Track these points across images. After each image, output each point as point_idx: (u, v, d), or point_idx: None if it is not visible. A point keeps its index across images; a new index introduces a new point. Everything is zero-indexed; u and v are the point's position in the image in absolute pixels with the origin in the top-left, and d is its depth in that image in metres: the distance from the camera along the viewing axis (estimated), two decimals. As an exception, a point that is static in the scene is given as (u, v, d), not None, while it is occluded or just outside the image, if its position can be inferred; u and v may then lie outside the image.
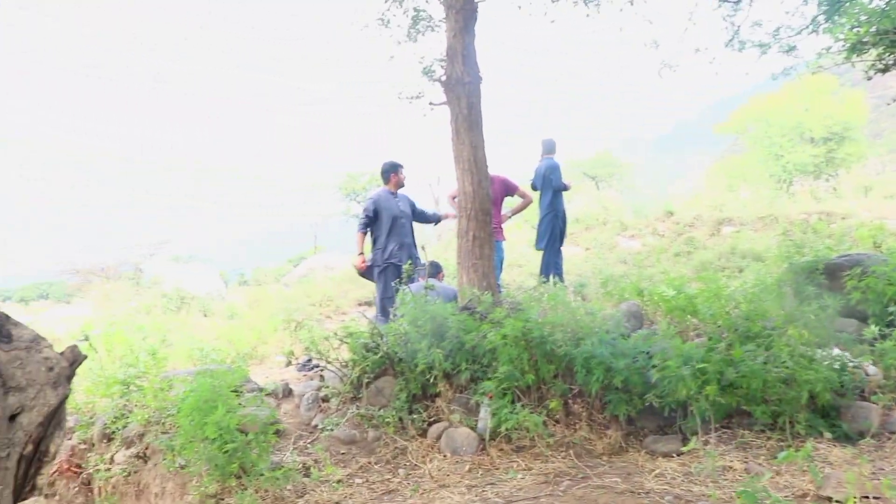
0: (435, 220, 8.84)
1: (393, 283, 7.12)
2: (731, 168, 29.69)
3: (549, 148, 9.89)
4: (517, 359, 4.77)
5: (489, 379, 4.80)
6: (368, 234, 7.96)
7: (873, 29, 8.31)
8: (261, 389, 5.71)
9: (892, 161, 37.03)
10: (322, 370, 6.36)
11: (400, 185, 8.29)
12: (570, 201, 18.04)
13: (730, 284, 9.15)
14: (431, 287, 5.67)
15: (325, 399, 5.58)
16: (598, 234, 16.24)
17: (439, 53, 7.15)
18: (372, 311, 9.68)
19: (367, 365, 5.32)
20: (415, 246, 8.25)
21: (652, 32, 9.43)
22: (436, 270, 7.78)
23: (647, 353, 4.73)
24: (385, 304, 7.39)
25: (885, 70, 9.02)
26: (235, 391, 4.69)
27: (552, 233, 9.79)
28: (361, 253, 7.87)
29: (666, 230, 16.05)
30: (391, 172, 8.23)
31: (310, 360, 7.18)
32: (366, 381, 5.34)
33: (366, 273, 8.03)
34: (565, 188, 9.84)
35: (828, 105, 27.89)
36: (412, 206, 8.28)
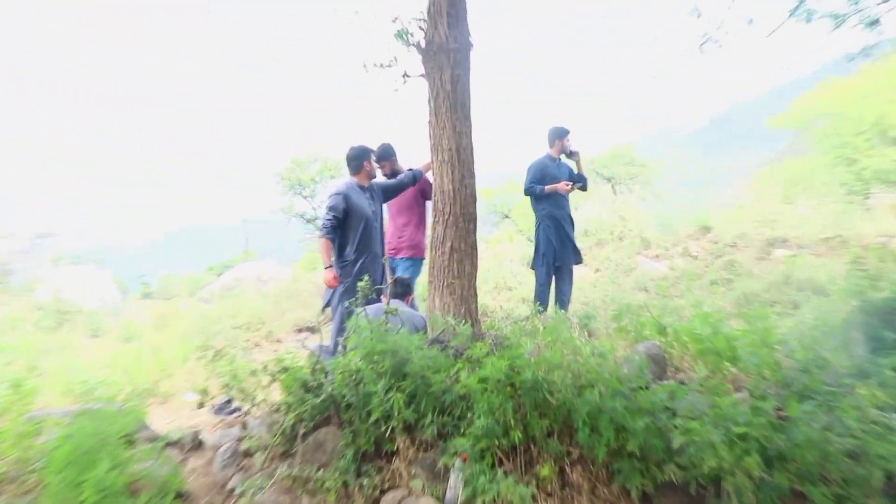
0: (413, 180, 8.80)
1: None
2: (788, 173, 29.95)
3: (549, 138, 10.05)
4: (500, 409, 4.73)
5: (463, 435, 4.75)
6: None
7: None
8: (162, 438, 5.62)
9: None
10: (245, 415, 6.27)
11: (371, 176, 8.26)
12: (576, 209, 18.13)
13: (781, 325, 9.26)
14: (394, 311, 5.62)
15: (248, 453, 5.49)
16: (612, 251, 16.31)
17: (419, 12, 7.11)
18: (314, 340, 9.61)
19: (305, 410, 5.25)
20: (383, 255, 8.24)
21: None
22: (403, 290, 7.75)
23: (671, 409, 4.71)
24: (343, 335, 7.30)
25: None
26: (127, 439, 4.60)
27: (546, 247, 9.91)
28: (331, 265, 7.80)
29: (700, 250, 16.14)
30: (363, 160, 8.19)
31: (230, 402, 7.10)
32: (302, 431, 5.26)
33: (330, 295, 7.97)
34: (535, 192, 9.95)
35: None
36: (384, 191, 8.26)
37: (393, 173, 9.09)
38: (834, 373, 5.23)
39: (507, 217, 28.59)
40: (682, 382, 5.46)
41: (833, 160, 28.50)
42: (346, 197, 7.94)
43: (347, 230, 7.91)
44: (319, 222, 31.93)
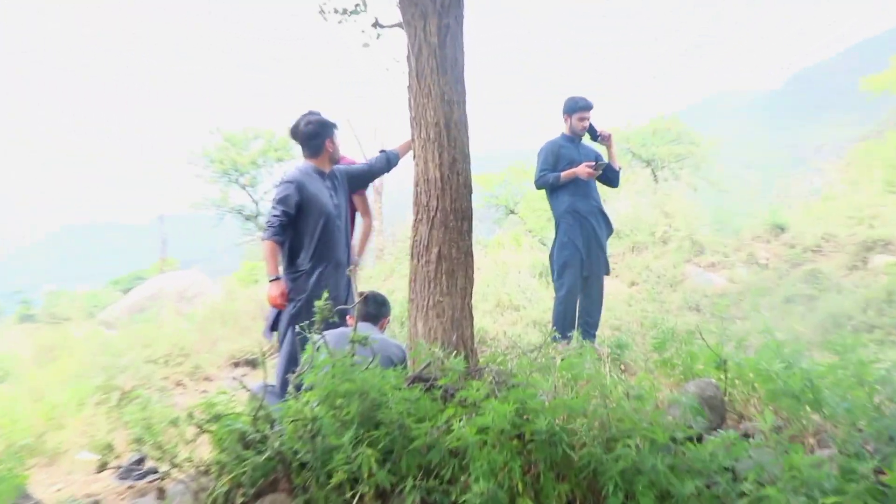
0: (387, 165, 8.69)
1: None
2: (893, 152, 29.99)
3: (563, 111, 10.05)
4: (504, 470, 4.72)
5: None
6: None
7: None
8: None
9: None
10: (163, 480, 6.24)
11: (335, 160, 8.13)
12: (605, 202, 18.15)
13: (883, 357, 9.25)
14: (363, 340, 5.59)
15: (166, 531, 5.49)
16: (652, 259, 16.35)
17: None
18: (256, 377, 9.59)
19: (244, 473, 5.22)
20: (349, 263, 8.16)
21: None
22: (376, 311, 7.52)
23: (731, 470, 4.73)
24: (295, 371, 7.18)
25: None
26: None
27: (571, 253, 9.87)
28: (278, 277, 7.71)
29: (772, 257, 16.19)
30: (324, 138, 8.07)
31: (141, 461, 7.07)
32: (240, 500, 5.25)
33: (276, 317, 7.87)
34: (548, 181, 9.92)
35: None
36: (350, 179, 8.18)
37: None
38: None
39: (512, 213, 28.62)
40: (746, 434, 5.47)
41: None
42: (299, 187, 7.78)
43: (302, 231, 7.79)
44: (263, 220, 31.22)
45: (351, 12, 7.15)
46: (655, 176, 26.41)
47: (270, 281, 7.64)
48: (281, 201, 7.71)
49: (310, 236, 7.76)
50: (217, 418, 5.36)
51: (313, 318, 5.57)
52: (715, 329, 11.86)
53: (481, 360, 6.28)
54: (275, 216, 7.68)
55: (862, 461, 4.70)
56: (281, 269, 7.74)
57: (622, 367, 9.05)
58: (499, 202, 34.59)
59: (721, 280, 15.33)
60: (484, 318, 13.61)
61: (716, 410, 6.03)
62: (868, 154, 31.72)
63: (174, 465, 5.55)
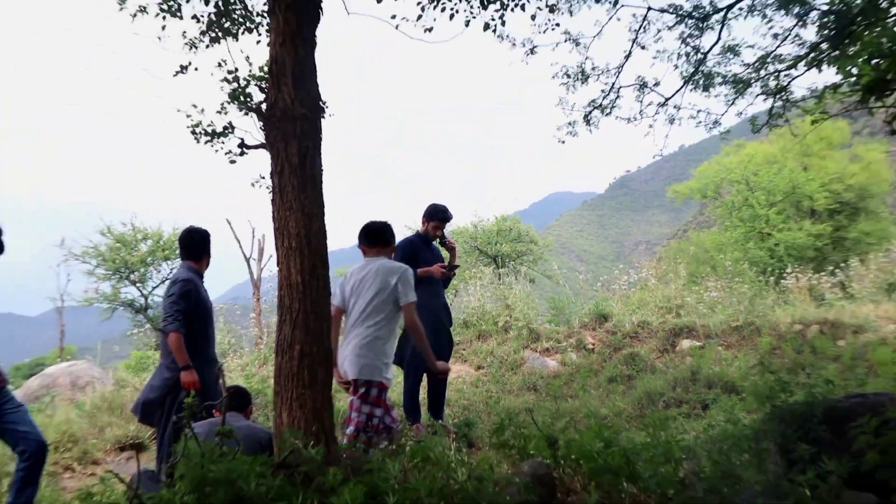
0: None
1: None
2: (695, 250, 30.93)
3: (423, 215, 10.12)
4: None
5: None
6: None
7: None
8: None
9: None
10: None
11: (207, 266, 8.19)
12: (453, 293, 18.24)
13: (689, 429, 9.44)
14: (228, 432, 5.48)
15: None
16: (496, 345, 16.41)
17: (258, 67, 7.08)
18: (143, 460, 9.35)
19: (120, 560, 5.07)
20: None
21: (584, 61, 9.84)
22: (241, 403, 7.58)
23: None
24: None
25: (915, 122, 9.65)
26: None
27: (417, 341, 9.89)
28: (190, 365, 7.64)
29: (598, 343, 16.39)
30: (208, 246, 8.17)
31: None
32: (116, 587, 5.07)
33: (151, 412, 7.78)
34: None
35: (836, 163, 29.64)
36: None
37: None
38: (747, 493, 5.33)
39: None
40: (573, 508, 5.49)
41: (744, 235, 29.60)
42: (197, 286, 7.90)
43: (192, 327, 7.76)
44: (153, 312, 31.01)
45: (219, 134, 7.11)
46: (499, 272, 26.69)
47: (183, 369, 7.58)
48: (183, 296, 7.73)
49: (199, 333, 7.76)
50: (94, 504, 5.17)
51: (183, 413, 5.47)
52: (549, 407, 12.00)
53: (341, 445, 6.21)
54: (177, 310, 7.65)
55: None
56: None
57: (469, 443, 9.04)
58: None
59: (554, 363, 15.45)
60: (348, 401, 13.50)
61: (547, 486, 6.02)
62: (675, 251, 32.64)
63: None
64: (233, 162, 7.09)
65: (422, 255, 10.03)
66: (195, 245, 8.14)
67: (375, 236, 8.13)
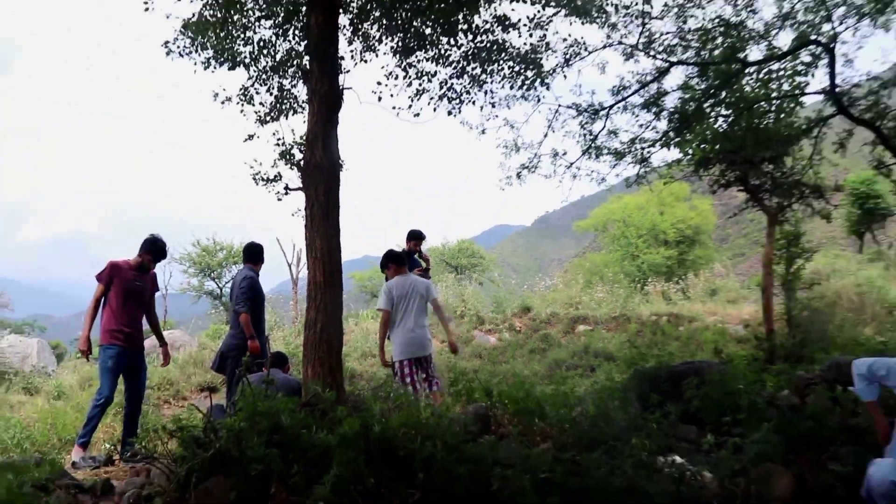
0: None
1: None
2: (589, 265, 31.14)
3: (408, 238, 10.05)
4: (354, 461, 4.59)
5: (322, 483, 4.58)
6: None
7: (717, 147, 9.08)
8: (77, 485, 5.24)
9: (735, 265, 39.84)
10: (149, 464, 5.89)
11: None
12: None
13: (581, 385, 9.45)
14: (271, 381, 5.43)
15: (149, 498, 5.15)
16: (455, 326, 16.35)
17: (299, 136, 7.09)
18: (216, 397, 9.26)
19: (197, 463, 4.96)
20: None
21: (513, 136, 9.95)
22: (281, 362, 7.58)
23: (492, 459, 4.68)
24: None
25: (727, 186, 9.83)
26: (43, 487, 4.26)
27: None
28: (254, 336, 7.55)
29: (523, 326, 16.39)
30: (261, 253, 8.26)
31: (136, 453, 6.69)
32: (194, 481, 4.96)
33: (224, 365, 7.71)
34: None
35: (680, 210, 30.08)
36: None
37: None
38: (616, 426, 5.32)
39: (374, 296, 28.51)
40: (502, 436, 5.45)
41: (621, 256, 29.87)
42: (256, 282, 7.83)
43: (254, 309, 7.70)
44: (225, 299, 31.17)
45: (272, 180, 7.12)
46: (459, 277, 26.68)
47: (250, 338, 7.47)
48: (251, 289, 7.71)
49: (258, 314, 7.77)
50: (181, 428, 5.11)
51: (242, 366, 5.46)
52: (489, 370, 11.97)
53: (347, 391, 6.17)
54: (247, 298, 7.63)
55: (565, 451, 4.73)
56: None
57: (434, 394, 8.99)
58: (366, 290, 35.03)
59: (494, 339, 15.42)
60: (355, 362, 13.48)
61: (484, 421, 5.98)
62: (577, 267, 32.82)
63: (153, 457, 5.24)
64: (279, 199, 7.07)
65: (407, 264, 10.01)
66: (255, 253, 8.14)
67: (400, 260, 8.28)
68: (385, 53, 7.87)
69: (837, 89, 9.13)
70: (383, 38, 7.72)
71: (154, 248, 7.36)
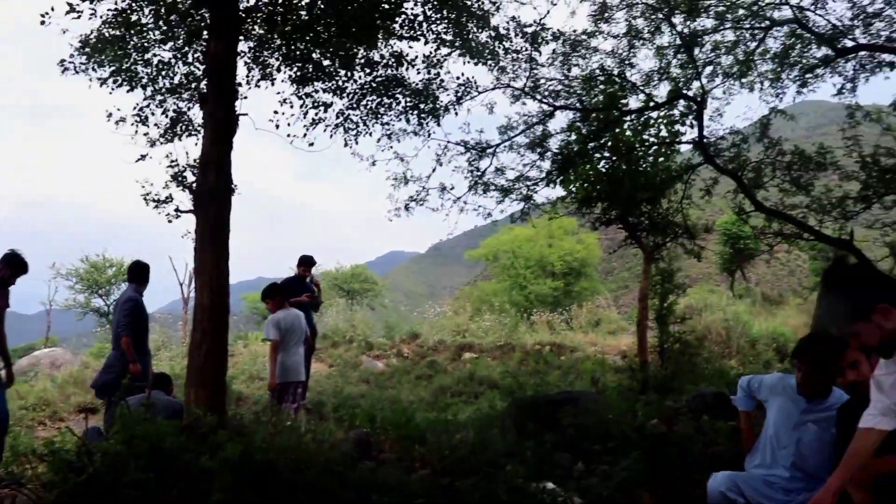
0: None
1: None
2: (479, 294, 31.63)
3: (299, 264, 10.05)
4: (235, 486, 4.57)
5: (204, 509, 4.54)
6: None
7: (599, 187, 9.52)
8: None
9: (619, 298, 41.26)
10: (18, 489, 5.64)
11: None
12: (322, 314, 18.13)
13: (465, 411, 9.61)
14: (150, 404, 5.34)
15: (17, 526, 4.96)
16: (343, 351, 16.30)
17: (193, 159, 7.02)
18: (96, 420, 8.97)
19: (68, 489, 4.80)
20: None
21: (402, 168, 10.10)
22: (164, 384, 7.42)
23: (373, 485, 4.75)
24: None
25: (607, 223, 10.29)
26: None
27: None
28: (136, 360, 7.37)
29: (410, 352, 16.46)
30: (145, 273, 8.08)
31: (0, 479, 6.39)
32: (64, 508, 4.82)
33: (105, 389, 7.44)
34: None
35: (568, 243, 31.00)
36: None
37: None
38: (493, 453, 5.47)
39: (265, 318, 28.09)
40: (382, 462, 5.53)
41: (510, 286, 30.47)
42: (139, 303, 7.63)
43: (136, 331, 7.49)
44: (112, 318, 29.81)
45: (162, 202, 7.02)
46: (351, 302, 26.59)
47: (131, 361, 7.28)
48: (132, 311, 7.52)
49: (140, 335, 7.59)
50: (53, 452, 4.93)
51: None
52: (376, 395, 11.99)
53: (230, 415, 6.11)
54: (129, 321, 7.46)
55: (442, 476, 4.84)
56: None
57: (321, 417, 8.95)
58: (257, 311, 34.39)
59: (382, 365, 15.41)
60: (242, 385, 13.20)
61: (365, 447, 6.04)
62: (466, 294, 33.28)
63: (20, 484, 5.04)
64: (170, 221, 6.98)
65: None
66: (139, 273, 7.93)
67: (280, 293, 8.49)
68: (283, 81, 7.92)
69: (705, 140, 9.91)
70: (282, 66, 7.76)
71: (14, 262, 7.07)
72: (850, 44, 9.54)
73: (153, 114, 7.96)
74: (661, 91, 10.01)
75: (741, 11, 9.53)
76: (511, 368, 13.44)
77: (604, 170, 9.84)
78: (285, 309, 8.33)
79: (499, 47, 8.55)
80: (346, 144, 8.59)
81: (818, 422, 3.92)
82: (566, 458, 6.12)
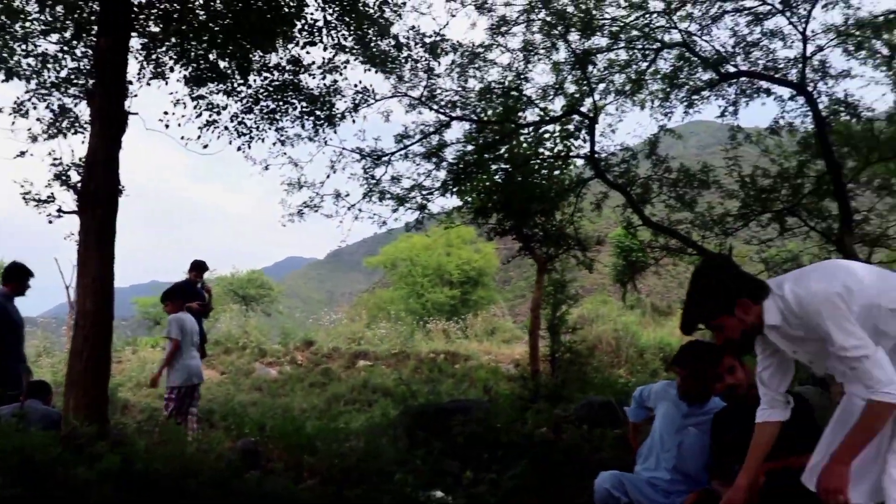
0: None
1: None
2: (376, 301, 31.60)
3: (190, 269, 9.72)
4: (114, 499, 4.41)
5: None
6: None
7: (494, 197, 9.68)
8: None
9: (515, 307, 41.88)
10: None
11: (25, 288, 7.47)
12: (216, 320, 17.70)
13: (358, 419, 9.58)
14: (23, 415, 5.05)
15: None
16: (236, 358, 15.95)
17: (78, 158, 6.70)
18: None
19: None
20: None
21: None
22: (42, 392, 6.92)
23: (260, 495, 4.67)
24: None
25: (502, 234, 10.47)
26: None
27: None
28: None
29: (304, 359, 16.26)
30: (19, 275, 7.28)
31: None
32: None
33: None
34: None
35: (466, 252, 31.34)
36: None
37: None
38: (383, 461, 5.48)
39: (157, 324, 27.11)
40: (270, 472, 5.45)
41: (407, 293, 30.55)
42: (5, 307, 6.96)
43: (3, 336, 6.84)
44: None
45: (43, 201, 6.67)
46: (245, 308, 26.07)
47: None
48: (2, 314, 6.87)
49: (10, 340, 6.96)
50: None
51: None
52: (268, 403, 11.80)
53: (112, 423, 5.88)
54: None
55: (329, 486, 4.81)
56: None
57: (211, 425, 8.74)
58: (149, 316, 33.25)
59: (275, 372, 15.17)
60: (128, 393, 12.72)
61: (253, 456, 5.93)
62: (363, 302, 33.25)
63: None
64: (51, 222, 6.63)
65: (189, 294, 9.64)
66: (10, 275, 7.23)
67: (179, 295, 8.45)
68: (178, 80, 7.68)
69: (596, 155, 10.26)
70: (175, 66, 7.53)
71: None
72: (732, 69, 10.04)
73: (35, 108, 7.47)
74: (557, 106, 10.27)
75: (634, 32, 9.87)
76: (405, 377, 13.43)
77: (499, 181, 10.01)
78: (184, 312, 8.21)
79: (398, 56, 8.57)
80: (239, 149, 8.42)
81: (698, 425, 4.08)
82: (456, 467, 6.18)
